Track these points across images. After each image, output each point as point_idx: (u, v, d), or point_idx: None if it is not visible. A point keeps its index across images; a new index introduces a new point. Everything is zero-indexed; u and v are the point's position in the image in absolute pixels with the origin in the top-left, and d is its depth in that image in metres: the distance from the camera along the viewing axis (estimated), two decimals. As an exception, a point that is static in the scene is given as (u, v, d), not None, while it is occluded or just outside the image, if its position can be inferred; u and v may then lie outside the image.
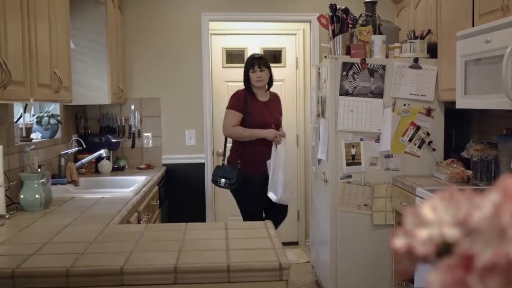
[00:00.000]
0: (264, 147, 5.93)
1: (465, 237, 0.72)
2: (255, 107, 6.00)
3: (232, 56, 8.14)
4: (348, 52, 5.63)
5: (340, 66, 5.49)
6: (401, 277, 5.24)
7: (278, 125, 6.18)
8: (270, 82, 6.19)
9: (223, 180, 5.88)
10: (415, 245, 0.76)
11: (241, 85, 6.30)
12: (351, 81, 5.48)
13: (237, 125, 5.95)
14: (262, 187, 5.92)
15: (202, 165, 7.11)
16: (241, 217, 5.90)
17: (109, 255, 2.65)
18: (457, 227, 0.74)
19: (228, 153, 6.17)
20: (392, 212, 5.56)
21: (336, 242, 5.63)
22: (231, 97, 6.17)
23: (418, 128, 5.57)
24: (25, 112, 4.89)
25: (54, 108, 5.49)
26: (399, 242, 0.79)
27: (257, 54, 6.30)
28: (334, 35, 5.82)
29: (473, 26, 4.57)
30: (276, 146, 5.91)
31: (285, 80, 8.08)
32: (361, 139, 5.55)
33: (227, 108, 6.08)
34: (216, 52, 7.93)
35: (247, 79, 6.08)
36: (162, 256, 2.63)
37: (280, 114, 6.34)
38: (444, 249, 0.74)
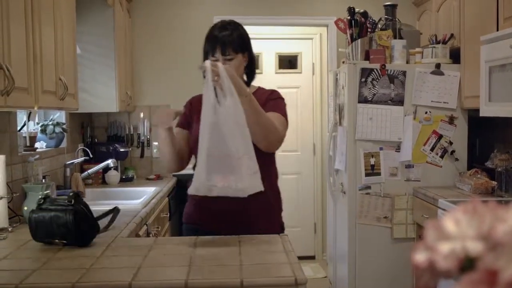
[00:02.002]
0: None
1: (489, 251, 0.72)
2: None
3: (246, 62, 8.12)
4: (367, 57, 5.63)
5: (358, 72, 5.48)
6: (422, 293, 5.22)
7: None
8: (250, 73, 3.68)
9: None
10: (437, 259, 0.76)
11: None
12: (370, 88, 5.48)
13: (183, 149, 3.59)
14: None
15: (214, 176, 7.08)
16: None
17: (117, 270, 2.65)
18: (481, 241, 0.74)
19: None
20: (413, 225, 5.54)
21: (354, 256, 5.62)
22: None
23: (440, 137, 5.55)
24: (29, 120, 4.90)
25: (60, 116, 5.50)
26: (420, 257, 0.79)
27: (223, 26, 3.51)
28: (353, 39, 5.82)
29: (497, 30, 4.56)
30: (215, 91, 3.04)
31: (301, 87, 8.09)
32: (381, 148, 5.54)
33: None
34: (229, 58, 7.92)
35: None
36: (172, 272, 2.62)
37: None
38: (467, 264, 0.74)
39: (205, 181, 2.98)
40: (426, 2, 6.47)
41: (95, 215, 3.27)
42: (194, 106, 3.57)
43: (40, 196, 3.79)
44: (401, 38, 5.71)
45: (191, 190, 2.98)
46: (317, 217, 8.11)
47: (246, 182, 3.01)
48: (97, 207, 4.54)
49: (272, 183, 3.50)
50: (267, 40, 8.08)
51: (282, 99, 3.62)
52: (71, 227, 3.01)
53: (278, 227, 3.54)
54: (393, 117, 5.50)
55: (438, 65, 5.50)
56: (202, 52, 3.47)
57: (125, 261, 2.81)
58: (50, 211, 3.07)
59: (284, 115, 3.52)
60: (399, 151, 5.54)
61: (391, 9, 5.92)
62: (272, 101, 3.54)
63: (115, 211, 3.67)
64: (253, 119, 3.18)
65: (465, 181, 5.22)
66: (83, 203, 3.16)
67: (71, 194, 3.20)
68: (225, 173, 3.02)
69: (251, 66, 3.62)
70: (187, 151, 3.58)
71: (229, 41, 3.42)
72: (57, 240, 3.04)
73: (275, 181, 3.60)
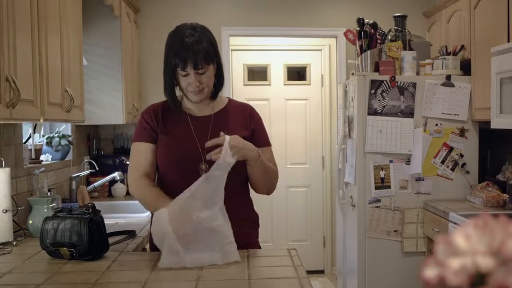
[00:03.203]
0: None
1: (500, 267, 0.72)
2: (174, 128, 3.19)
3: (254, 73, 8.16)
4: (376, 69, 5.63)
5: (368, 84, 5.48)
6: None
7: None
8: (218, 82, 3.22)
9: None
10: (448, 275, 0.76)
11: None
12: (380, 100, 5.47)
13: (151, 166, 3.17)
14: None
15: (221, 189, 7.06)
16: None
17: (123, 285, 2.65)
18: (492, 257, 0.74)
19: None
20: (423, 238, 5.53)
21: (364, 271, 5.61)
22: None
23: (451, 149, 5.54)
24: (34, 133, 4.91)
25: (65, 128, 5.51)
26: (431, 272, 0.78)
27: (190, 32, 3.19)
28: (362, 51, 5.83)
29: (508, 41, 4.55)
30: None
31: (310, 99, 8.08)
32: (391, 161, 5.53)
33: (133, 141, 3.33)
34: (237, 69, 7.96)
35: (171, 82, 3.14)
36: (179, 287, 2.62)
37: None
38: (478, 279, 0.74)
39: (175, 256, 2.84)
40: (436, 13, 6.47)
41: (109, 230, 3.28)
42: (158, 118, 3.22)
43: (45, 210, 3.80)
44: (411, 49, 5.71)
45: (161, 265, 2.84)
46: (326, 231, 8.09)
47: (221, 253, 2.94)
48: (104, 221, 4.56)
49: (249, 210, 3.31)
50: (275, 52, 8.09)
51: (261, 119, 3.36)
52: (83, 235, 2.98)
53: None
54: (403, 129, 5.49)
55: (448, 77, 5.49)
56: (165, 63, 3.15)
57: (131, 276, 2.80)
58: (65, 218, 3.07)
59: (270, 143, 3.31)
60: (409, 164, 5.53)
61: (400, 20, 5.92)
62: (258, 130, 3.26)
63: (131, 234, 3.69)
64: (261, 176, 3.14)
65: (476, 194, 5.20)
66: (99, 215, 3.15)
67: (89, 204, 3.20)
68: (198, 248, 2.90)
69: (219, 74, 3.21)
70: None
71: (200, 50, 3.04)
72: (65, 248, 3.01)
73: (252, 208, 3.34)
